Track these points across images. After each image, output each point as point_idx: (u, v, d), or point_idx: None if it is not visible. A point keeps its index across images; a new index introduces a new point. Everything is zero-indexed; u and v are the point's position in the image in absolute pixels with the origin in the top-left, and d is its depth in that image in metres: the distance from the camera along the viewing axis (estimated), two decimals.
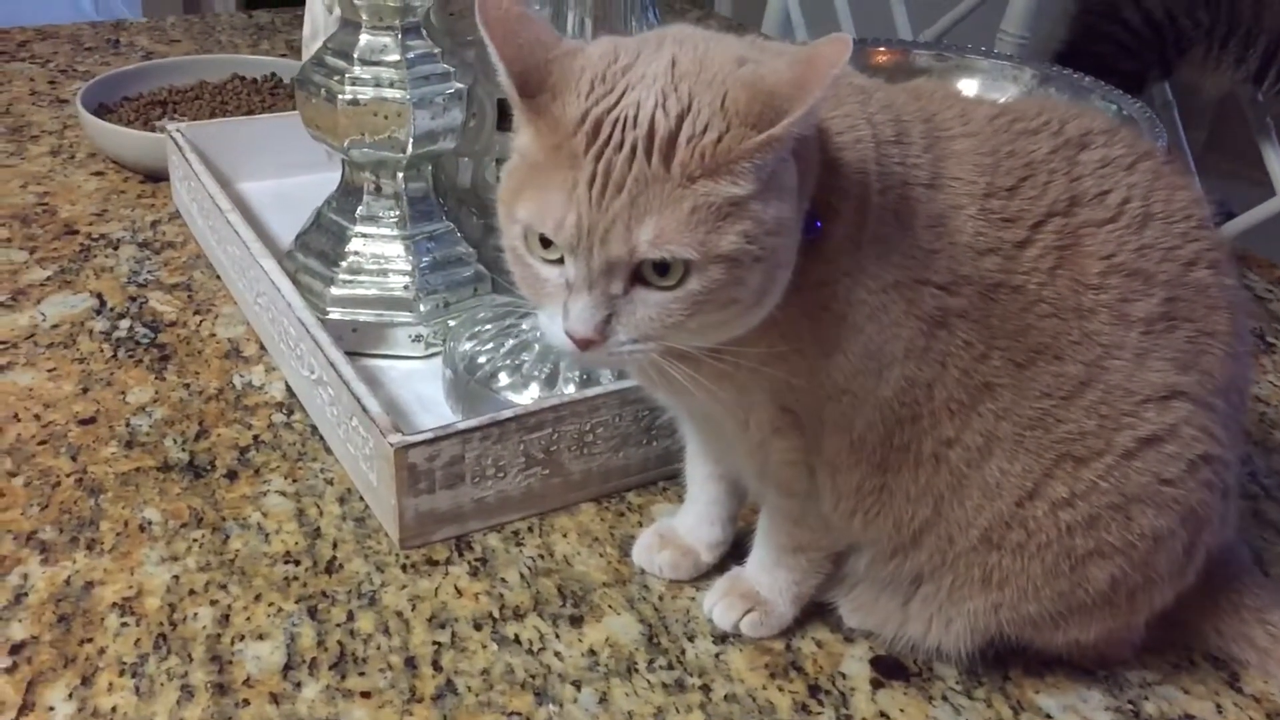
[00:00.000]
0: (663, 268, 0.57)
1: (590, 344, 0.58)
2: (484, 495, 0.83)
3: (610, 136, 0.56)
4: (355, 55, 0.99)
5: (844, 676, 0.75)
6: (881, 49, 1.14)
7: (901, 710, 0.72)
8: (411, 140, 0.98)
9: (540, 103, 0.58)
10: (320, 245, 1.05)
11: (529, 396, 0.90)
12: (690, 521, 0.82)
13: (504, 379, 0.92)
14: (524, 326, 0.95)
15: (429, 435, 0.80)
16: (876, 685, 0.74)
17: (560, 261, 0.59)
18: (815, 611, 0.78)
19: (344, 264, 1.03)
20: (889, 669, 0.75)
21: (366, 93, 0.97)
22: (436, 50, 1.00)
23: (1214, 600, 0.76)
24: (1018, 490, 0.66)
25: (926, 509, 0.68)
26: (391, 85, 0.98)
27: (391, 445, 0.79)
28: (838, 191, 0.63)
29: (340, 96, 0.97)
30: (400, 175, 1.03)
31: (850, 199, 0.63)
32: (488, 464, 0.82)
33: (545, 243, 0.59)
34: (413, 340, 1.02)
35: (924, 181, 0.65)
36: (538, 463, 0.84)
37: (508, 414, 0.82)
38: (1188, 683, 0.76)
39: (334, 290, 1.02)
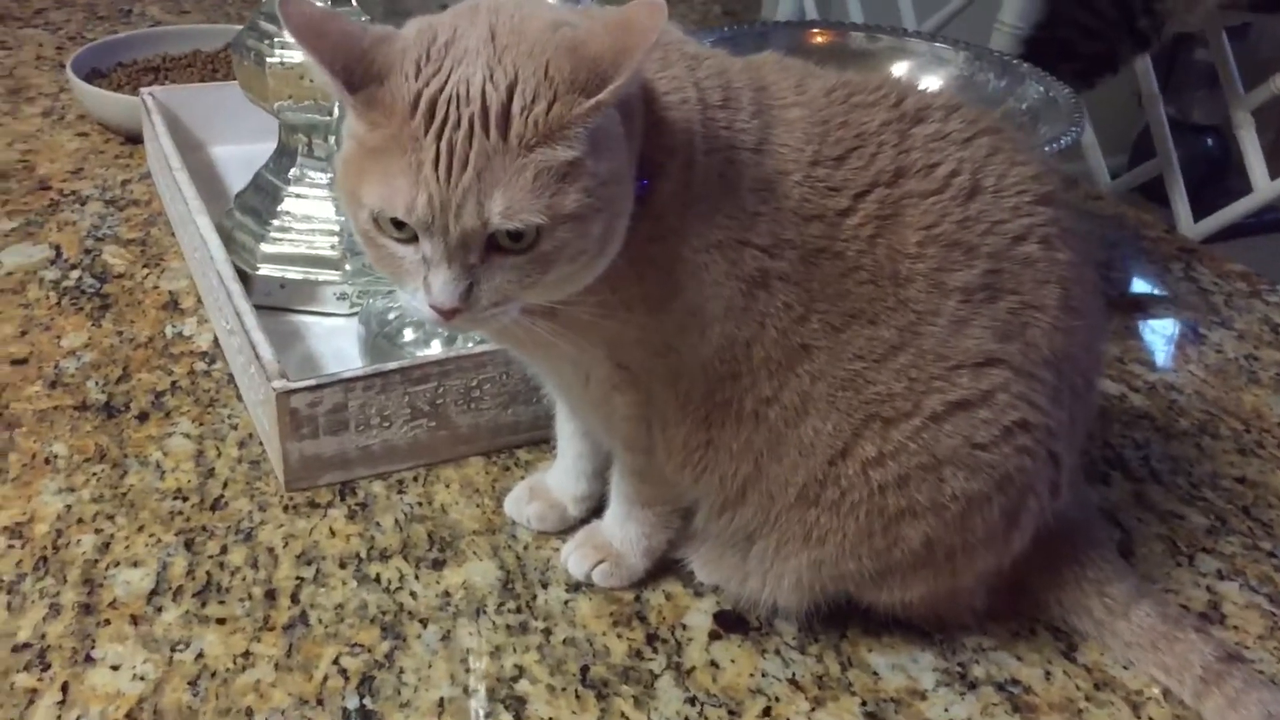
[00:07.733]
0: (517, 234, 0.59)
1: (456, 313, 0.61)
2: (369, 444, 0.87)
3: (447, 115, 0.58)
4: None
5: (684, 628, 0.77)
6: (817, 30, 1.16)
7: (732, 661, 0.75)
8: (336, 103, 1.02)
9: (369, 94, 0.59)
10: (255, 204, 1.10)
11: (430, 353, 0.94)
12: (559, 476, 0.85)
13: (408, 335, 0.96)
14: None
15: (312, 382, 0.84)
16: (714, 637, 0.77)
17: (413, 240, 0.61)
18: (670, 566, 0.81)
19: (275, 222, 1.07)
20: (730, 623, 0.78)
21: (294, 56, 1.01)
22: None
23: (1057, 571, 0.78)
24: (830, 449, 0.69)
25: (748, 465, 0.70)
26: None
27: (275, 390, 0.83)
28: (664, 149, 0.65)
29: (269, 60, 1.01)
30: (332, 138, 1.07)
31: (677, 157, 0.65)
32: (372, 413, 0.86)
33: (398, 224, 0.60)
34: (338, 298, 1.06)
35: (751, 146, 0.67)
36: (423, 415, 0.88)
37: (391, 366, 0.86)
38: (1023, 650, 0.77)
39: (264, 247, 1.06)
